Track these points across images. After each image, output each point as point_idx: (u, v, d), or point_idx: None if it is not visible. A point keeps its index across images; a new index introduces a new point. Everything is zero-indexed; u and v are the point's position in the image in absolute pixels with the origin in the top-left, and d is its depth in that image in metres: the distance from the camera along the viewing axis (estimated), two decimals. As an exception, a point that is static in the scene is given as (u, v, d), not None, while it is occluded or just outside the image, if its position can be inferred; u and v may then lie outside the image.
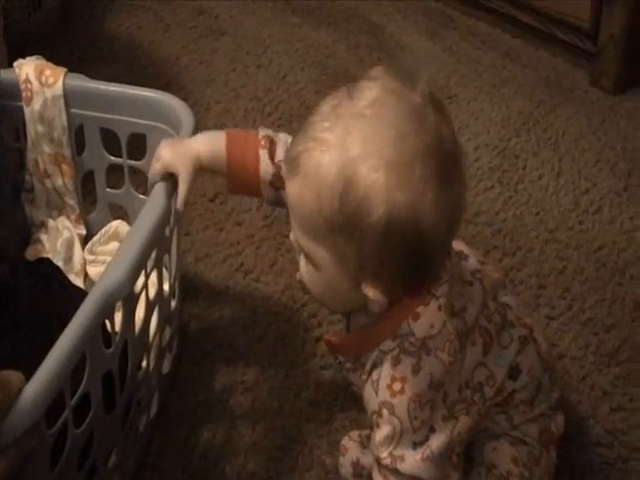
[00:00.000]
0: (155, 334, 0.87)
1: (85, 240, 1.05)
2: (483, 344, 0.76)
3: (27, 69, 0.98)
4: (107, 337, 0.75)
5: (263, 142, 0.80)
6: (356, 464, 0.86)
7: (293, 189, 0.68)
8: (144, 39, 1.54)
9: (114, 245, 1.03)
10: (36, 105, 0.98)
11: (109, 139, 1.01)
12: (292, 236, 0.73)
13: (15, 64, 1.00)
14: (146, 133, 0.97)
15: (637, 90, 1.45)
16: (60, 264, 1.00)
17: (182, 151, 0.80)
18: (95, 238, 1.04)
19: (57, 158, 1.02)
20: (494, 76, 1.49)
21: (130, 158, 1.00)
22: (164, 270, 0.89)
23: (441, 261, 0.72)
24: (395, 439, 0.72)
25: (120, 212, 1.07)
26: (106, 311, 0.72)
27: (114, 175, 1.04)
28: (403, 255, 0.66)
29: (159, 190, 0.80)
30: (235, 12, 1.65)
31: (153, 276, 0.83)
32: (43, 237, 1.04)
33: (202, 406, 0.95)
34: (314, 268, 0.71)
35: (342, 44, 1.56)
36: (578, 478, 0.89)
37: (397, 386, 0.71)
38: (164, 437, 0.91)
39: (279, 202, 0.80)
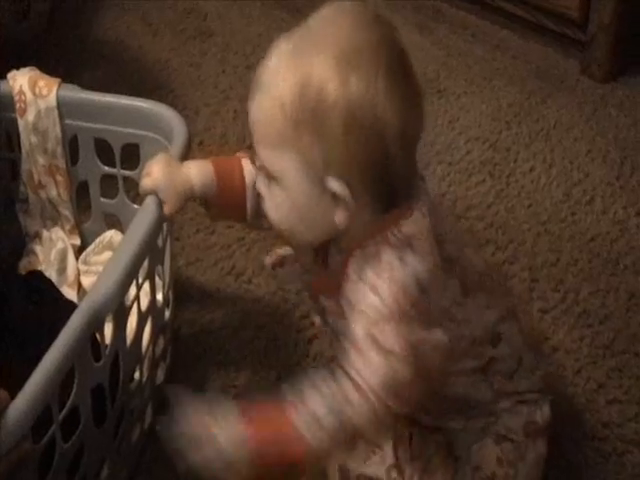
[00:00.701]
0: (148, 345, 0.88)
1: (80, 250, 1.06)
2: (461, 284, 0.78)
3: (21, 80, 0.99)
4: (97, 350, 0.75)
5: (243, 153, 0.83)
6: None
7: (254, 106, 0.72)
8: (133, 43, 1.54)
9: (108, 255, 1.03)
10: (30, 116, 0.99)
11: (103, 149, 1.01)
12: (255, 169, 0.75)
13: (9, 75, 1.01)
14: (139, 143, 0.98)
15: (628, 78, 1.45)
16: (54, 275, 1.01)
17: (176, 180, 0.81)
18: (89, 248, 1.05)
19: (51, 169, 1.02)
20: (484, 68, 1.49)
21: (124, 168, 1.01)
22: (157, 279, 0.89)
23: (407, 174, 0.72)
24: (375, 322, 0.70)
25: (114, 222, 1.07)
26: (95, 325, 0.72)
27: (108, 185, 1.04)
28: (365, 142, 0.68)
29: (150, 201, 0.81)
30: (223, 11, 1.65)
31: (146, 286, 0.84)
32: (37, 248, 1.05)
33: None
34: (279, 187, 0.72)
35: (331, 40, 1.56)
36: (574, 472, 0.90)
37: (382, 271, 0.71)
38: (157, 445, 0.91)
39: (261, 212, 0.80)
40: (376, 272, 0.71)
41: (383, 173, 0.70)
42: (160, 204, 0.81)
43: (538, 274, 1.12)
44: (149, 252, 0.81)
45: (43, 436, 0.69)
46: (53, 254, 1.02)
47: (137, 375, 0.87)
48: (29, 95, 0.99)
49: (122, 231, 1.05)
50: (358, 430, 0.69)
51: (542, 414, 0.85)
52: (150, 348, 0.89)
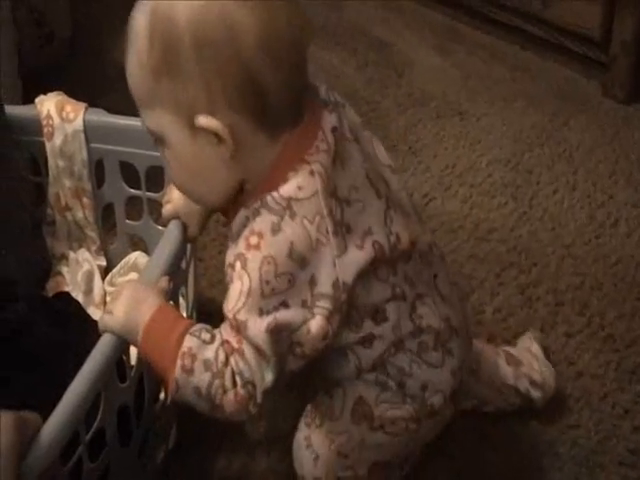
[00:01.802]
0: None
1: (105, 271, 1.07)
2: (373, 257, 0.70)
3: (48, 105, 1.00)
4: (123, 371, 0.76)
5: None
6: None
7: (127, 72, 0.69)
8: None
9: (133, 276, 1.04)
10: (57, 140, 1.00)
11: (128, 172, 1.02)
12: (146, 128, 0.72)
13: (37, 100, 1.02)
14: (164, 166, 0.98)
15: (650, 99, 1.45)
16: (80, 296, 1.01)
17: (197, 209, 0.81)
18: (115, 269, 1.06)
19: (78, 192, 1.03)
20: (504, 90, 1.50)
21: (149, 190, 1.02)
22: (181, 300, 0.90)
23: (288, 91, 0.67)
24: (242, 298, 0.67)
25: (140, 243, 1.08)
26: (121, 349, 0.73)
27: (133, 207, 1.05)
28: (220, 61, 0.64)
29: (174, 224, 0.82)
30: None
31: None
32: (64, 269, 1.06)
33: (217, 433, 0.95)
34: (167, 149, 0.70)
35: (351, 63, 1.57)
36: (602, 499, 0.90)
37: (254, 240, 0.67)
38: (180, 466, 0.92)
39: None
40: (246, 240, 0.67)
41: (253, 93, 0.65)
42: (183, 226, 0.82)
43: (562, 297, 1.11)
44: (173, 275, 0.81)
45: (71, 457, 0.70)
46: (80, 275, 1.03)
47: (162, 396, 0.87)
48: (56, 119, 1.00)
49: (147, 252, 1.06)
50: (223, 411, 0.69)
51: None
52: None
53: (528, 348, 0.97)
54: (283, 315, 0.67)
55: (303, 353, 0.69)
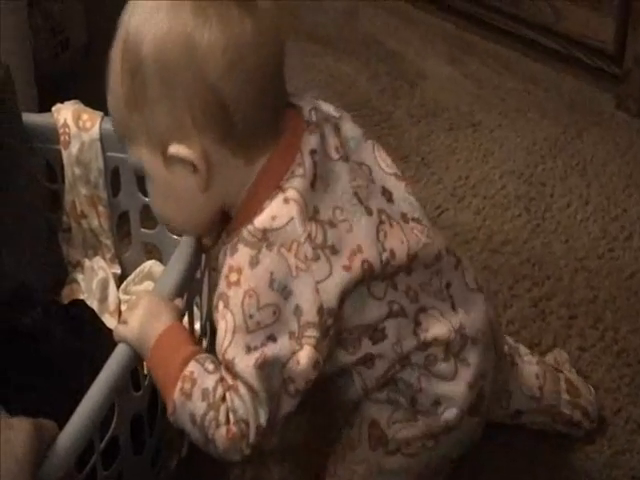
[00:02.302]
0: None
1: (120, 279, 1.07)
2: (361, 277, 0.68)
3: (65, 114, 1.01)
4: (137, 380, 0.77)
5: None
6: None
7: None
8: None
9: (148, 284, 1.05)
10: (73, 149, 1.01)
11: (143, 181, 1.02)
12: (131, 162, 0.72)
13: (53, 109, 1.03)
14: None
15: (664, 113, 1.45)
16: (95, 304, 1.02)
17: None
18: (130, 278, 1.06)
19: (93, 199, 1.04)
20: (517, 101, 1.50)
21: (164, 199, 1.02)
22: (195, 310, 0.90)
23: (258, 117, 0.66)
24: (228, 336, 0.66)
25: (154, 252, 1.08)
26: (137, 359, 0.74)
27: (148, 215, 1.05)
28: (184, 85, 0.63)
29: (188, 236, 0.81)
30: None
31: (185, 317, 0.84)
32: (79, 277, 1.06)
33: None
34: (149, 182, 0.71)
35: (363, 74, 1.57)
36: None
37: (233, 277, 0.66)
38: (194, 475, 0.92)
39: None
40: (226, 278, 0.66)
41: (221, 117, 0.64)
42: (198, 236, 0.81)
43: (576, 311, 1.11)
44: (188, 285, 0.81)
45: (85, 465, 0.70)
46: (95, 283, 1.04)
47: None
48: (73, 128, 1.00)
49: (161, 261, 1.06)
50: (215, 446, 0.68)
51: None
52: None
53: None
54: (271, 349, 0.66)
55: (296, 389, 0.68)
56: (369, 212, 0.71)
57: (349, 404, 0.77)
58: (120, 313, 1.04)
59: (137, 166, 0.71)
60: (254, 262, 0.65)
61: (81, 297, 1.02)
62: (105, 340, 0.82)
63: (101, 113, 1.01)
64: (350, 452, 0.78)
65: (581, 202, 1.28)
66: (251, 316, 0.65)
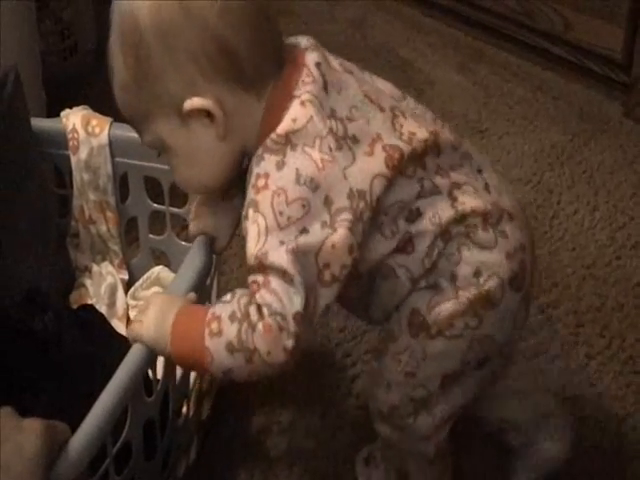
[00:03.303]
0: (195, 380, 0.89)
1: (128, 285, 1.08)
2: (386, 158, 0.70)
3: (74, 119, 1.02)
4: (149, 385, 0.77)
5: None
6: None
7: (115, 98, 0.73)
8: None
9: (156, 290, 1.05)
10: (82, 154, 1.01)
11: (152, 186, 1.03)
12: (146, 144, 0.75)
13: (62, 114, 1.03)
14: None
15: (671, 121, 1.45)
16: (103, 309, 1.02)
17: (222, 213, 0.81)
18: (137, 283, 1.06)
19: (102, 205, 1.04)
20: (526, 109, 1.50)
21: (172, 205, 1.03)
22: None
23: (260, 52, 0.69)
24: (261, 238, 0.66)
25: (162, 257, 1.09)
26: (148, 363, 0.74)
27: (156, 222, 1.06)
28: (191, 45, 0.67)
29: (200, 241, 0.82)
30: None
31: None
32: (87, 282, 1.07)
33: (239, 448, 0.96)
34: (168, 154, 0.73)
35: (373, 80, 1.58)
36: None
37: (261, 182, 0.67)
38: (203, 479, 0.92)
39: None
40: (254, 186, 0.68)
41: (226, 61, 0.68)
42: (209, 243, 0.82)
43: (583, 319, 1.11)
44: (199, 291, 0.82)
45: (98, 469, 0.70)
46: (103, 288, 1.04)
47: (184, 410, 0.88)
48: (82, 133, 1.01)
49: (169, 267, 1.07)
50: (260, 355, 0.67)
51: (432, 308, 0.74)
52: (197, 383, 0.89)
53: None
54: (304, 239, 0.66)
55: (333, 275, 0.67)
56: (382, 109, 0.73)
57: (394, 306, 0.76)
58: (128, 318, 1.04)
59: (155, 145, 0.73)
60: (280, 165, 0.67)
61: (89, 302, 1.02)
62: (116, 344, 0.83)
63: (110, 119, 1.01)
64: (392, 343, 0.77)
65: (588, 210, 1.28)
66: (281, 213, 0.66)
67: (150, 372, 0.77)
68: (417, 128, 0.73)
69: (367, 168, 0.69)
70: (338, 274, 0.68)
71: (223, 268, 1.17)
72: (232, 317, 0.67)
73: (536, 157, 1.39)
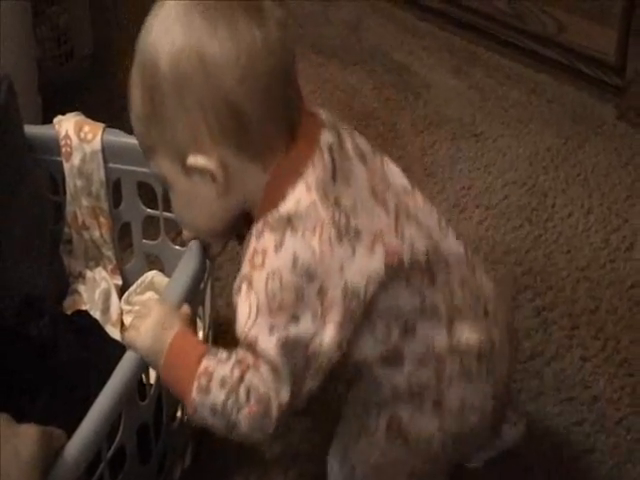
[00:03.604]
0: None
1: (122, 290, 1.08)
2: (386, 259, 0.69)
3: (67, 125, 1.02)
4: (143, 390, 0.77)
5: None
6: None
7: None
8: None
9: (150, 295, 1.05)
10: (75, 160, 1.01)
11: (145, 192, 1.03)
12: (153, 172, 0.74)
13: (55, 120, 1.03)
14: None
15: (665, 124, 1.45)
16: (98, 314, 1.02)
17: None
18: (131, 288, 1.06)
19: (95, 211, 1.04)
20: (520, 112, 1.50)
21: (166, 210, 1.02)
22: (198, 320, 0.91)
23: (272, 125, 0.68)
24: (252, 317, 0.67)
25: (156, 262, 1.09)
26: (143, 368, 0.74)
27: (150, 227, 1.06)
28: (204, 103, 0.66)
29: (194, 245, 0.82)
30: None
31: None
32: (81, 288, 1.07)
33: (234, 452, 0.95)
34: (171, 192, 0.73)
35: (368, 84, 1.58)
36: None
37: (258, 260, 0.67)
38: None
39: None
40: (250, 261, 0.67)
41: (236, 127, 0.67)
42: (203, 248, 0.82)
43: (578, 321, 1.11)
44: (191, 297, 0.82)
45: (93, 474, 0.71)
46: (97, 294, 1.04)
47: (179, 414, 0.88)
48: (75, 140, 1.01)
49: (163, 271, 1.07)
50: (238, 429, 0.68)
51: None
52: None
53: None
54: (294, 330, 0.67)
55: (319, 368, 0.69)
56: (387, 208, 0.72)
57: (372, 402, 0.77)
58: (122, 324, 1.04)
59: (159, 177, 0.74)
60: (278, 246, 0.67)
61: (83, 308, 1.02)
62: (111, 350, 0.83)
63: (102, 125, 1.02)
64: (366, 438, 0.78)
65: (583, 212, 1.28)
66: (274, 297, 0.66)
67: (144, 376, 0.77)
68: (418, 237, 0.72)
69: (365, 266, 0.68)
70: (325, 366, 0.69)
71: (218, 274, 1.17)
72: (222, 383, 0.68)
73: (531, 160, 1.39)
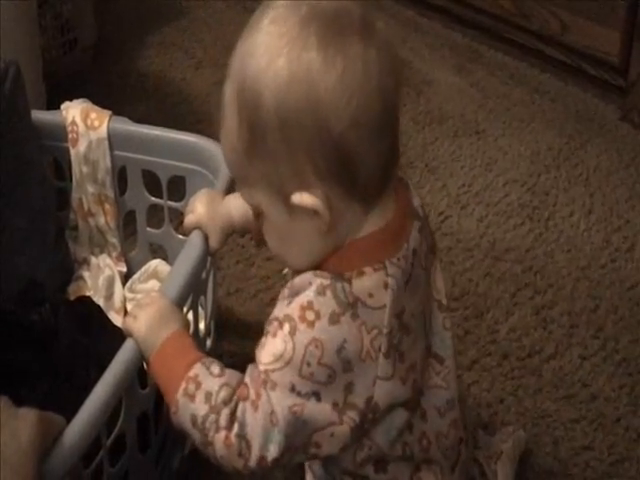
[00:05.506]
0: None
1: (125, 277, 1.08)
2: (410, 396, 0.68)
3: (74, 112, 1.02)
4: (143, 377, 0.77)
5: None
6: None
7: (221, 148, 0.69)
8: (176, 76, 1.57)
9: (153, 283, 1.05)
10: (81, 147, 1.01)
11: (150, 180, 1.03)
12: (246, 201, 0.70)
13: (62, 107, 1.03)
14: (186, 176, 1.00)
15: (667, 125, 1.46)
16: (101, 301, 1.02)
17: (218, 216, 0.82)
18: (135, 276, 1.06)
19: (100, 198, 1.04)
20: (522, 111, 1.50)
21: (170, 199, 1.03)
22: (200, 309, 0.90)
23: (378, 164, 0.64)
24: (280, 362, 0.64)
25: (160, 251, 1.09)
26: (143, 357, 0.73)
27: (154, 215, 1.06)
28: (312, 143, 0.61)
29: (196, 235, 0.83)
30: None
31: (189, 316, 0.84)
32: (85, 274, 1.07)
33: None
34: (265, 220, 0.68)
35: (371, 79, 1.58)
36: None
37: (310, 316, 0.63)
38: (197, 472, 0.92)
39: None
40: (302, 309, 0.64)
41: (344, 166, 0.62)
42: (205, 237, 0.83)
43: (577, 320, 1.12)
44: (194, 286, 0.82)
45: (92, 461, 0.71)
46: (101, 281, 1.04)
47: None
48: (81, 126, 1.01)
49: (167, 260, 1.07)
50: (213, 449, 0.66)
51: None
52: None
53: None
54: (312, 407, 0.64)
55: (316, 454, 0.67)
56: (426, 333, 0.71)
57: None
58: (125, 311, 1.04)
59: (251, 205, 0.69)
60: (334, 320, 0.64)
61: (87, 294, 1.02)
62: (112, 337, 0.83)
63: (109, 112, 1.02)
64: None
65: (584, 212, 1.29)
66: (309, 364, 0.64)
67: (144, 364, 0.77)
68: (420, 376, 0.70)
69: (393, 393, 0.67)
70: (321, 455, 0.67)
71: (219, 264, 1.17)
72: (207, 397, 0.66)
73: (532, 159, 1.39)
